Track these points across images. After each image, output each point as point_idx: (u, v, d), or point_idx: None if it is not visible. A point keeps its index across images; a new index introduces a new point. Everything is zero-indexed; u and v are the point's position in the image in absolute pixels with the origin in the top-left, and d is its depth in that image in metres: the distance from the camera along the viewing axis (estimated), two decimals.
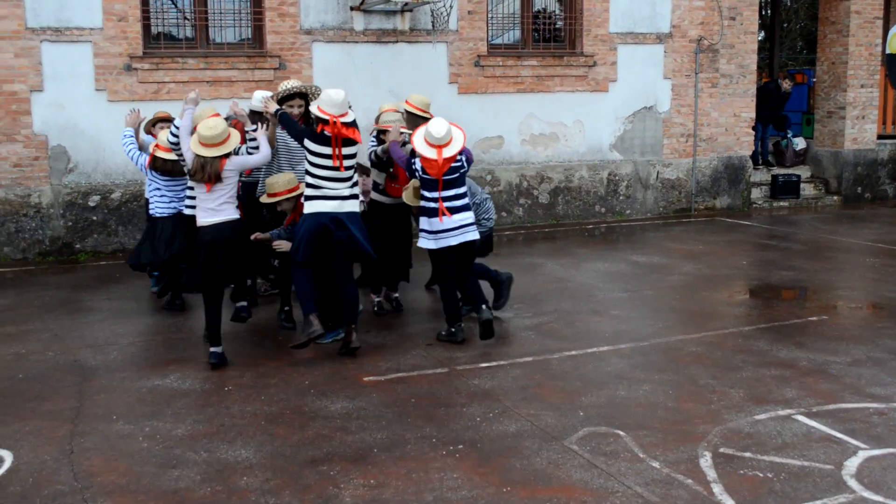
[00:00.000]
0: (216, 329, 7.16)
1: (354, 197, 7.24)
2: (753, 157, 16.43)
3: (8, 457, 5.44)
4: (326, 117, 6.97)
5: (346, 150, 7.08)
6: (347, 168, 7.13)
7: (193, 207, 7.52)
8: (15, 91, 11.37)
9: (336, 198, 7.10)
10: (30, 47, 11.39)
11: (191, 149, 6.97)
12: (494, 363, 7.18)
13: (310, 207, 7.11)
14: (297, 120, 7.56)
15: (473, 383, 6.70)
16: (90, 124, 11.63)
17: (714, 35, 15.22)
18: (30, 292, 9.76)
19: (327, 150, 7.01)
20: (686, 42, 15.09)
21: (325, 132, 7.00)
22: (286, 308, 8.28)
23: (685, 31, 15.06)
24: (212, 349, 7.14)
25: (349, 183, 7.18)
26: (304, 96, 7.84)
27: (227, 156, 6.97)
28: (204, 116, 7.33)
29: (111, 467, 5.29)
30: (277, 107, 7.42)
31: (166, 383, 6.78)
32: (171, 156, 7.85)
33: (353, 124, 7.13)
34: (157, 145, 8.16)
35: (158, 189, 8.32)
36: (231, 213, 7.06)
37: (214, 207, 6.98)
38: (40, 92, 11.42)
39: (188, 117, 7.20)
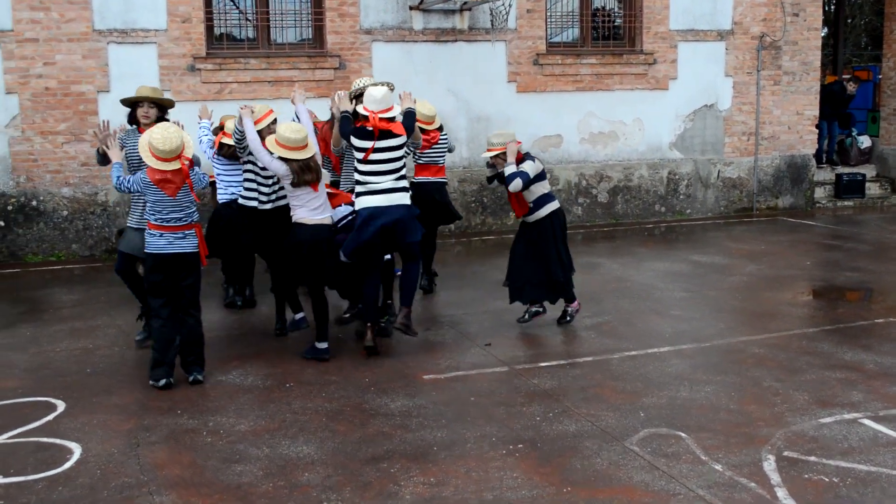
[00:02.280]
0: (325, 324, 7.33)
1: (403, 189, 7.25)
2: (817, 155, 16.14)
3: (77, 449, 5.57)
4: (366, 114, 7.12)
5: (387, 143, 7.12)
6: (390, 161, 7.14)
7: (253, 199, 7.75)
8: (83, 92, 11.63)
9: (382, 191, 7.13)
10: (97, 49, 11.64)
11: (276, 155, 6.97)
12: (554, 363, 7.16)
13: (360, 203, 7.17)
14: None
15: (533, 382, 6.69)
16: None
17: (776, 31, 14.99)
18: (97, 288, 9.97)
19: (365, 144, 7.11)
20: (748, 39, 14.89)
21: (367, 128, 7.12)
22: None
23: (747, 28, 14.86)
24: (296, 315, 7.49)
25: (394, 176, 7.18)
26: None
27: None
28: (260, 113, 7.49)
29: (175, 460, 5.39)
30: (346, 109, 7.48)
31: (229, 379, 6.88)
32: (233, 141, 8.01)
33: (401, 119, 7.27)
34: (223, 132, 8.39)
35: (219, 175, 8.59)
36: (329, 210, 7.22)
37: (320, 206, 7.10)
38: (107, 92, 11.65)
39: (251, 129, 7.21)
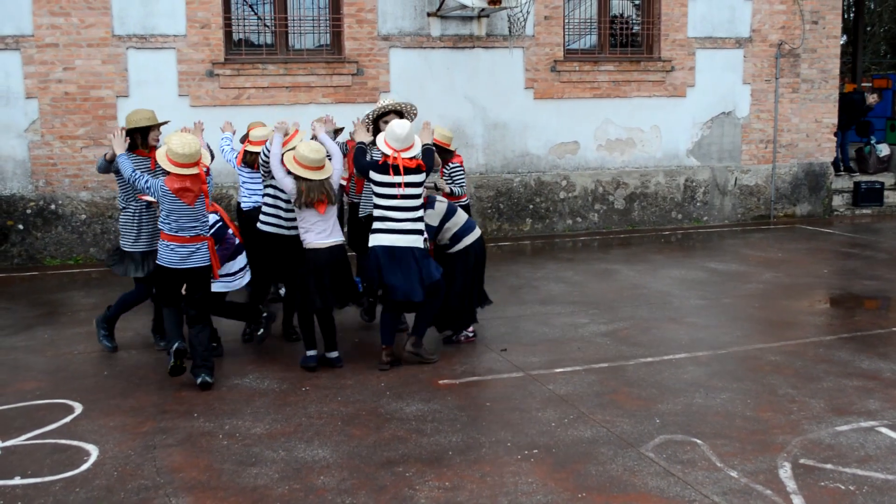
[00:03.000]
0: (334, 336, 7.33)
1: (418, 232, 7.13)
2: (835, 163, 16.08)
3: (94, 451, 5.60)
4: (389, 151, 7.03)
5: (409, 179, 7.02)
6: (411, 197, 7.05)
7: (273, 224, 7.60)
8: (102, 97, 11.72)
9: (397, 231, 7.01)
10: (116, 54, 11.73)
11: (292, 171, 6.93)
12: (569, 369, 7.16)
13: (374, 241, 7.08)
14: None
15: (548, 388, 6.68)
16: (173, 129, 11.84)
17: (795, 39, 14.95)
18: (114, 291, 9.96)
19: (391, 179, 7.00)
20: (766, 46, 14.85)
21: (388, 163, 7.03)
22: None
23: (765, 36, 14.82)
24: (308, 352, 7.23)
25: (415, 215, 7.08)
26: (400, 113, 7.92)
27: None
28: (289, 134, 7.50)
29: (192, 463, 5.41)
30: (362, 140, 7.39)
31: (245, 382, 6.90)
32: (258, 149, 8.01)
33: (420, 156, 7.14)
34: (249, 140, 8.39)
35: (244, 183, 8.69)
36: (340, 234, 7.16)
37: (328, 229, 7.03)
38: (126, 97, 11.73)
39: (277, 145, 7.18)
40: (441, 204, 7.58)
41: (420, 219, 7.17)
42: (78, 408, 6.38)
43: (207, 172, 6.82)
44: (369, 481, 5.12)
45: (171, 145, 6.61)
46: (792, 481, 5.07)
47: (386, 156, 7.05)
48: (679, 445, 5.59)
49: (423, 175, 7.14)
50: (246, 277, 7.58)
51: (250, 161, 8.36)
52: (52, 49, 11.53)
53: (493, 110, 13.49)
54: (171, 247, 6.69)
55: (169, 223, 6.69)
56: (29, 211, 11.72)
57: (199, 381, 6.76)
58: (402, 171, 7.00)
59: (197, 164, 6.67)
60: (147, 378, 7.01)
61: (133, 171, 6.81)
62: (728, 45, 14.66)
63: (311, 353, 7.23)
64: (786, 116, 15.14)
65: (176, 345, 6.75)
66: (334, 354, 7.31)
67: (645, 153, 14.46)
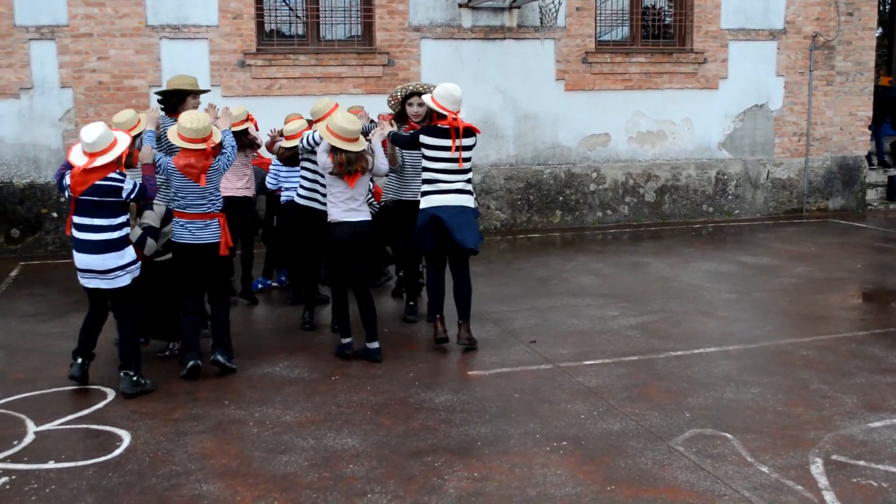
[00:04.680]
0: (373, 324, 7.24)
1: (470, 192, 7.28)
2: (869, 157, 15.89)
3: (126, 437, 5.66)
4: (445, 113, 7.09)
5: (467, 142, 7.16)
6: (465, 160, 7.18)
7: (312, 199, 7.78)
8: (135, 86, 11.82)
9: (452, 191, 7.16)
10: (149, 44, 11.82)
11: (328, 141, 6.94)
12: (599, 361, 7.14)
13: (426, 202, 7.19)
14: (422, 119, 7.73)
15: (577, 380, 6.67)
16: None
17: (830, 31, 14.78)
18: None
19: (445, 143, 7.09)
20: (800, 38, 14.70)
21: (441, 126, 7.12)
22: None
23: (800, 28, 14.67)
24: (344, 340, 7.25)
25: (466, 177, 7.23)
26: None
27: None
28: (326, 108, 7.49)
29: (223, 450, 5.45)
30: (390, 128, 7.45)
31: (276, 371, 6.94)
32: (293, 143, 8.07)
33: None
34: (284, 136, 8.43)
35: (284, 178, 8.80)
36: (367, 213, 7.14)
37: (355, 207, 7.02)
38: (159, 87, 11.77)
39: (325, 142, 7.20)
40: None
41: (470, 181, 7.30)
42: (111, 394, 6.45)
43: (216, 151, 6.82)
44: (398, 470, 5.14)
45: (181, 120, 6.73)
46: (823, 477, 5.03)
47: (443, 118, 7.10)
48: (709, 439, 5.56)
49: (476, 139, 7.26)
50: None
51: (285, 157, 8.35)
52: (87, 39, 11.64)
53: (523, 102, 13.46)
54: (182, 223, 6.77)
55: (178, 199, 6.78)
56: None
57: (211, 358, 6.83)
58: (461, 134, 7.09)
59: (205, 140, 6.73)
60: (178, 366, 7.05)
61: None
62: (761, 37, 14.53)
63: (346, 340, 7.24)
64: (819, 109, 14.98)
65: (191, 363, 6.68)
66: (374, 345, 7.18)
67: (676, 146, 14.37)
